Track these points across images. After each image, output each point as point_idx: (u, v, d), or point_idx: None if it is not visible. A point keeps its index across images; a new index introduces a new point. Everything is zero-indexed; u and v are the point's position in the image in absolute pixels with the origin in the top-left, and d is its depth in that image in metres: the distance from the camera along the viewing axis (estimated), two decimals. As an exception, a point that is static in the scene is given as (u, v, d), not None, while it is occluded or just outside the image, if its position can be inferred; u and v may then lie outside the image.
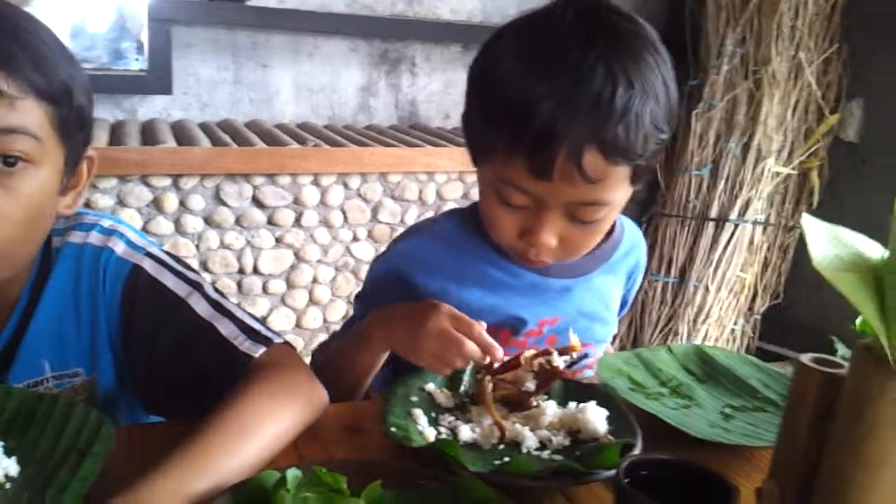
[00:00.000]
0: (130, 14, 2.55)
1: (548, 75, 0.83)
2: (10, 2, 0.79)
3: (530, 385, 0.83)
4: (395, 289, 1.03)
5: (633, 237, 1.15)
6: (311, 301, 2.36)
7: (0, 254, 0.77)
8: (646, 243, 1.21)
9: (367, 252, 2.38)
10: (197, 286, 0.88)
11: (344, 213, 2.34)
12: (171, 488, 0.63)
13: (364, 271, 2.37)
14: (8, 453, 0.69)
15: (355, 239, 2.38)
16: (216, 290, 0.90)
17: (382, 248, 1.16)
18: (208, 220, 2.19)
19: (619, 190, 0.89)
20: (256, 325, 0.87)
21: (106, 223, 0.91)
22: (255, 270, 2.26)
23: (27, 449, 0.71)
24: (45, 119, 0.78)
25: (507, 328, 1.02)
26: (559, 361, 0.83)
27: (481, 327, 0.85)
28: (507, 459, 0.76)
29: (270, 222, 2.25)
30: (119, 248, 0.89)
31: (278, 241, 2.28)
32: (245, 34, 2.57)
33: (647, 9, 2.99)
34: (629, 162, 0.86)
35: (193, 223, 2.15)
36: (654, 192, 2.72)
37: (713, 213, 2.52)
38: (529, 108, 0.82)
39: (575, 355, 0.84)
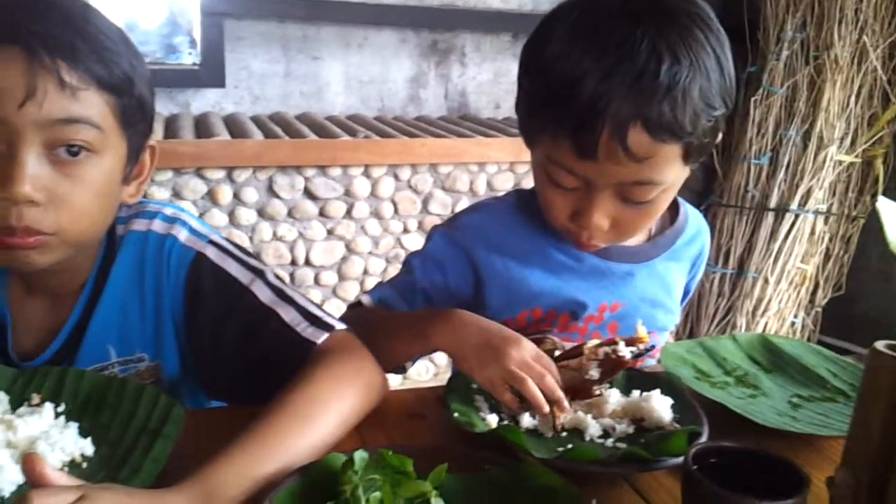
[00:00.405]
0: (183, 9, 2.59)
1: (592, 53, 0.82)
2: None
3: (594, 373, 0.81)
4: (457, 261, 1.02)
5: (697, 224, 1.12)
6: (363, 292, 2.37)
7: (66, 238, 0.79)
8: (710, 231, 1.18)
9: (417, 244, 2.37)
10: (259, 273, 0.89)
11: (394, 204, 2.34)
12: (241, 470, 0.63)
13: (415, 263, 2.38)
14: (83, 434, 0.71)
15: (406, 230, 2.39)
16: (277, 276, 0.90)
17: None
18: (261, 212, 2.21)
19: (670, 169, 0.87)
20: (317, 312, 0.87)
21: (168, 211, 0.93)
22: (308, 262, 2.28)
23: (100, 430, 0.72)
24: (107, 109, 0.79)
25: (566, 312, 1.01)
26: (625, 352, 0.81)
27: (556, 377, 0.81)
28: (569, 447, 0.74)
29: (322, 214, 2.27)
30: (182, 235, 0.90)
31: (330, 232, 2.30)
32: (296, 27, 2.59)
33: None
34: (678, 140, 0.83)
35: (247, 215, 2.18)
36: (711, 182, 2.66)
37: (772, 202, 2.45)
38: (573, 86, 0.82)
39: (641, 346, 0.82)
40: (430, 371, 2.39)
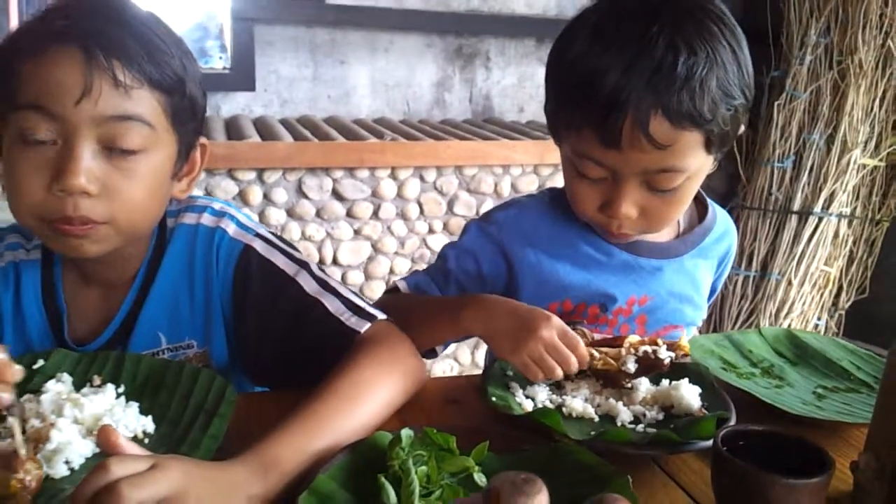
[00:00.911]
0: (214, 14, 2.65)
1: (612, 48, 0.87)
2: None
3: (630, 367, 0.84)
4: (491, 253, 1.06)
5: (724, 224, 1.15)
6: (400, 278, 2.40)
7: (117, 228, 0.84)
8: (737, 232, 1.21)
9: (442, 244, 2.41)
10: (304, 265, 0.93)
11: (420, 205, 2.38)
12: (294, 445, 0.67)
13: (440, 263, 2.42)
14: (143, 413, 0.75)
15: (431, 231, 2.42)
16: (321, 268, 0.94)
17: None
18: (290, 213, 2.26)
19: (693, 157, 0.90)
20: (360, 302, 0.91)
21: (217, 206, 0.97)
22: (335, 261, 2.32)
23: (159, 410, 0.77)
24: (159, 107, 0.84)
25: (596, 304, 1.04)
26: (665, 356, 0.84)
27: (585, 347, 0.85)
28: (601, 430, 0.78)
29: (349, 215, 2.31)
30: (231, 229, 0.95)
31: (357, 232, 2.34)
32: (324, 32, 2.64)
33: (726, -1, 2.95)
34: (698, 127, 0.87)
35: (277, 215, 2.23)
36: (735, 184, 2.68)
37: (796, 205, 2.46)
38: (596, 80, 0.87)
39: (680, 354, 0.85)
40: (454, 369, 2.42)
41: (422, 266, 2.42)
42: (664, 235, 1.08)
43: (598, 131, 0.88)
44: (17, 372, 0.64)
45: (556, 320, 0.86)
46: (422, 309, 1.00)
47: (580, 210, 0.99)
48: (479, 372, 1.08)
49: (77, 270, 0.94)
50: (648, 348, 0.84)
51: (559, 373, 0.84)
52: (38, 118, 0.78)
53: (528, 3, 2.70)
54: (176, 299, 0.94)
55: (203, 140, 0.95)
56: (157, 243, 0.94)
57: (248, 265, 0.92)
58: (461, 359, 2.44)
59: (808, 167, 2.45)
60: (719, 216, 1.15)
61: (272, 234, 0.97)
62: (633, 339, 0.86)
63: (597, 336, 0.90)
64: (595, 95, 0.87)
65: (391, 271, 2.41)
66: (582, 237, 1.06)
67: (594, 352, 0.85)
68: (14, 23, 2.70)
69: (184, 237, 0.94)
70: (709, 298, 1.18)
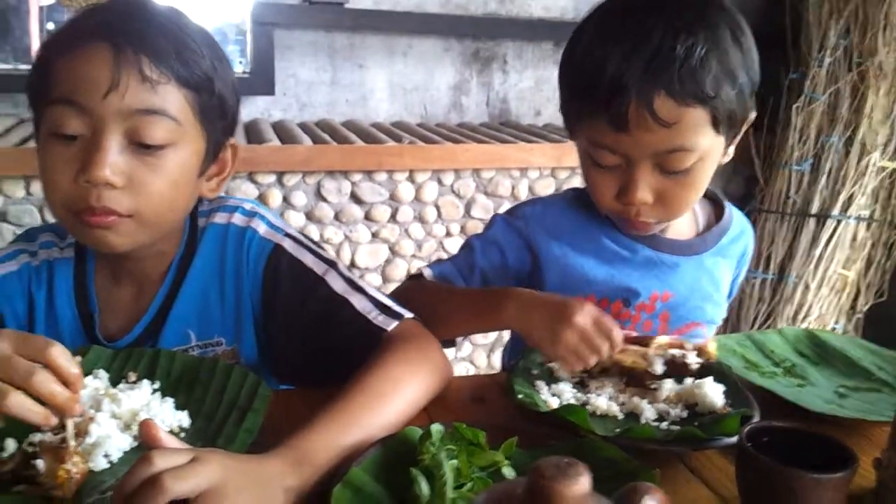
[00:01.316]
0: (234, 18, 2.68)
1: (614, 39, 0.91)
2: None
3: (658, 368, 0.85)
4: (516, 245, 1.09)
5: (741, 224, 1.17)
6: (425, 265, 2.42)
7: (141, 220, 0.86)
8: (754, 234, 1.22)
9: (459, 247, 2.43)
10: (332, 264, 0.95)
11: (438, 208, 2.40)
12: (326, 440, 0.68)
13: (457, 266, 2.43)
14: (178, 408, 0.77)
15: (448, 234, 2.44)
16: (348, 268, 0.96)
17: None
18: (309, 216, 2.28)
19: (701, 135, 0.92)
20: (387, 301, 0.92)
21: (247, 206, 0.99)
22: (353, 264, 2.34)
23: (194, 405, 0.79)
24: (185, 104, 0.86)
25: (619, 299, 1.06)
26: (693, 362, 0.85)
27: (619, 331, 0.87)
28: (627, 427, 0.79)
29: (368, 218, 2.33)
30: (261, 228, 0.97)
31: (375, 235, 2.36)
32: (342, 36, 2.66)
33: (745, 0, 2.95)
34: (701, 104, 0.89)
35: (296, 218, 2.25)
36: (752, 188, 2.67)
37: (814, 208, 2.46)
38: (599, 70, 0.91)
39: (708, 360, 0.86)
40: (470, 371, 2.43)
41: (439, 268, 2.44)
42: (684, 233, 1.09)
43: (606, 116, 0.91)
44: (81, 381, 0.67)
45: (590, 307, 0.88)
46: (451, 299, 1.01)
47: (598, 200, 1.01)
48: (497, 373, 1.10)
49: (108, 268, 0.96)
50: (677, 352, 0.85)
51: (592, 362, 0.86)
52: (69, 112, 0.81)
53: (545, 6, 2.72)
54: (206, 297, 0.96)
55: (233, 141, 0.96)
56: (188, 242, 0.96)
57: (278, 264, 0.94)
58: (477, 361, 2.45)
59: (827, 170, 2.45)
60: (736, 217, 1.16)
61: (302, 234, 0.99)
62: (663, 340, 0.87)
63: (628, 334, 0.92)
64: (599, 83, 0.90)
65: (408, 274, 2.42)
66: (604, 232, 1.08)
67: (631, 347, 0.87)
68: (35, 42, 2.75)
69: (215, 236, 0.96)
70: (727, 298, 1.19)
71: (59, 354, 0.65)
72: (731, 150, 1.00)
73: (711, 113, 0.91)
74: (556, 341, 0.86)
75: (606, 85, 0.90)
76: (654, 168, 0.94)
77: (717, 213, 1.15)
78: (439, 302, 1.00)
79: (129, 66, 0.81)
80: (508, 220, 1.11)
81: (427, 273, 1.09)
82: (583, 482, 0.38)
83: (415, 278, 1.11)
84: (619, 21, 0.93)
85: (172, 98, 0.84)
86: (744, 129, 0.99)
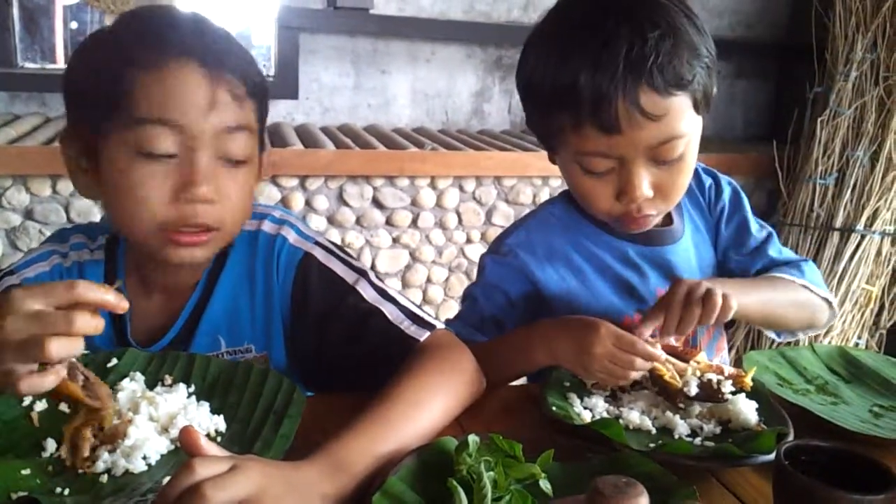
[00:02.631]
0: (258, 22, 2.70)
1: (579, 49, 0.91)
2: None
3: (692, 390, 0.85)
4: (515, 281, 1.08)
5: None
6: (425, 300, 2.43)
7: (225, 232, 0.88)
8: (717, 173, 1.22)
9: (480, 254, 2.43)
10: (363, 273, 0.95)
11: (459, 215, 2.40)
12: (362, 448, 0.68)
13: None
14: (214, 412, 0.78)
15: (469, 241, 2.44)
16: (378, 277, 0.96)
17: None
18: (331, 220, 2.29)
19: (686, 120, 0.94)
20: (418, 311, 0.92)
21: (277, 213, 0.99)
22: (373, 269, 2.34)
23: (229, 410, 0.79)
24: (255, 115, 0.88)
25: (637, 311, 1.07)
26: (728, 390, 0.85)
27: (642, 342, 0.87)
28: (660, 442, 0.79)
29: (389, 223, 2.34)
30: (291, 236, 0.97)
31: (395, 241, 2.37)
32: (366, 41, 2.67)
33: (770, 13, 2.95)
34: (683, 89, 0.91)
35: (318, 222, 2.26)
36: (775, 201, 2.66)
37: (838, 223, 2.44)
38: (574, 81, 0.90)
39: (741, 390, 0.86)
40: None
41: (459, 275, 2.45)
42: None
43: (595, 123, 0.91)
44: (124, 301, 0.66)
45: (607, 329, 0.87)
46: (486, 356, 0.96)
47: (595, 206, 1.01)
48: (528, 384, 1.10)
49: (139, 275, 0.96)
50: (714, 377, 0.85)
51: (632, 377, 0.87)
52: (163, 131, 0.81)
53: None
54: (236, 304, 0.96)
55: (267, 146, 0.97)
56: (220, 249, 0.97)
57: (308, 272, 0.94)
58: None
59: (851, 184, 2.43)
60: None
61: (331, 242, 0.99)
62: (703, 360, 0.87)
63: (670, 345, 0.92)
64: (579, 95, 0.90)
65: (428, 280, 2.43)
66: (595, 243, 1.08)
67: (672, 360, 0.87)
68: (60, 42, 2.78)
69: (245, 243, 0.96)
70: (753, 243, 1.17)
71: (87, 288, 0.64)
72: None
73: (692, 96, 0.93)
74: (588, 371, 0.88)
75: (588, 94, 0.90)
76: (648, 162, 0.95)
77: None
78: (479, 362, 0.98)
79: (221, 84, 0.82)
80: (497, 259, 1.10)
81: None
82: (642, 502, 0.38)
83: None
84: (576, 32, 0.93)
85: (250, 111, 0.86)
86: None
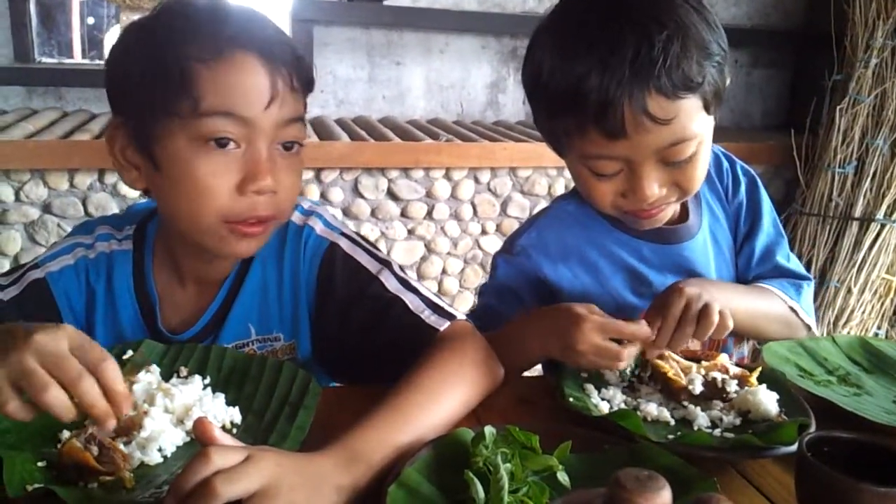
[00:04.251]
0: (273, 15, 2.70)
1: (585, 51, 0.88)
2: None
3: (696, 387, 0.84)
4: (528, 283, 1.07)
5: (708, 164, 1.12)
6: (440, 292, 2.43)
7: (280, 221, 0.90)
8: (738, 161, 1.18)
9: (495, 245, 2.42)
10: (386, 264, 0.95)
11: (474, 206, 2.39)
12: (379, 438, 0.68)
13: (492, 264, 2.43)
14: (229, 404, 0.78)
15: (484, 232, 2.43)
16: (401, 268, 0.96)
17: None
18: (346, 212, 2.29)
19: (697, 122, 0.91)
20: (439, 301, 0.92)
21: (305, 204, 0.99)
22: (389, 260, 2.35)
23: (244, 402, 0.79)
24: (302, 106, 0.88)
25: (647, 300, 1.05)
26: (733, 389, 0.84)
27: (629, 326, 0.86)
28: (679, 434, 0.78)
29: (404, 214, 2.34)
30: (318, 227, 0.97)
31: (411, 232, 2.36)
32: (380, 33, 2.67)
33: (787, 1, 2.90)
34: (692, 91, 0.88)
35: (333, 214, 2.26)
36: (793, 190, 2.63)
37: (857, 212, 2.41)
38: (581, 85, 0.87)
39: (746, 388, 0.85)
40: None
41: (474, 266, 2.44)
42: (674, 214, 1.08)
43: (601, 129, 0.89)
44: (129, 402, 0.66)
45: (590, 323, 0.86)
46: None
47: (605, 206, 0.99)
48: (545, 375, 1.10)
49: (171, 265, 0.96)
50: (719, 376, 0.84)
51: (622, 365, 0.87)
52: (228, 123, 0.81)
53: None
54: (266, 292, 0.97)
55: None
56: None
57: (333, 262, 0.95)
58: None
59: (871, 173, 2.40)
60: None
61: (356, 233, 0.99)
62: (724, 360, 0.88)
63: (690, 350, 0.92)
64: (585, 99, 0.88)
65: (444, 271, 2.42)
66: (610, 239, 1.07)
67: (676, 357, 0.86)
68: (77, 36, 2.79)
69: (275, 233, 0.97)
70: (765, 239, 1.15)
71: (112, 370, 0.65)
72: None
73: (702, 97, 0.90)
74: (578, 362, 0.88)
75: (594, 99, 0.87)
76: (658, 163, 0.92)
77: None
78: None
79: (281, 77, 0.83)
80: (509, 260, 1.09)
81: None
82: (664, 495, 0.37)
83: None
84: (583, 33, 0.89)
85: (301, 103, 0.87)
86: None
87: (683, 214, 1.10)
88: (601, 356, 0.86)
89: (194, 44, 0.81)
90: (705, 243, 1.11)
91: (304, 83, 0.87)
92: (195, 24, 0.83)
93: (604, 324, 0.86)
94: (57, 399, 0.62)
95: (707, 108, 0.92)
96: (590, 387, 0.87)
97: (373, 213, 2.31)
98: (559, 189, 2.42)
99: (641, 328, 0.87)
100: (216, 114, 0.81)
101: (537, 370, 1.07)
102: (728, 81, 0.95)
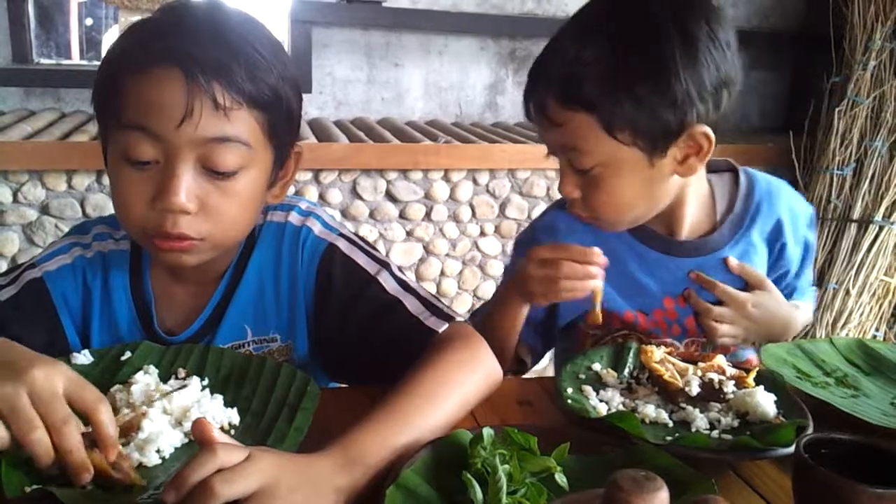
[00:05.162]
0: (271, 16, 2.70)
1: (566, 35, 0.97)
2: None
3: (693, 389, 0.84)
4: None
5: (762, 191, 1.12)
6: (439, 293, 2.43)
7: (213, 243, 0.86)
8: (795, 192, 1.16)
9: (494, 247, 2.43)
10: (385, 265, 0.95)
11: (472, 208, 2.39)
12: (378, 439, 0.68)
13: (490, 266, 2.43)
14: (227, 405, 0.78)
15: (483, 234, 2.43)
16: (400, 269, 0.96)
17: (509, 245, 1.24)
18: (345, 213, 2.29)
19: (593, 140, 0.93)
20: (438, 303, 0.92)
21: (303, 205, 0.99)
22: (387, 262, 2.34)
23: (243, 403, 0.79)
24: (256, 125, 0.83)
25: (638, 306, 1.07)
26: (730, 391, 0.84)
27: (576, 247, 0.95)
28: (677, 435, 0.78)
29: (402, 216, 2.34)
30: (316, 227, 0.97)
31: (409, 234, 2.36)
32: (379, 34, 2.66)
33: (785, 3, 2.90)
34: (585, 110, 0.92)
35: (331, 216, 2.26)
36: (792, 192, 2.63)
37: (856, 214, 2.41)
38: (542, 61, 1.00)
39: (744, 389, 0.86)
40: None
41: (473, 268, 2.44)
42: (703, 223, 1.08)
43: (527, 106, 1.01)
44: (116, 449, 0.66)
45: (533, 253, 0.97)
46: (487, 313, 1.06)
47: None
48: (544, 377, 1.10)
49: (165, 267, 0.96)
50: (716, 377, 0.84)
51: (584, 286, 0.95)
52: (142, 138, 0.80)
53: (582, 5, 2.70)
54: (262, 294, 0.96)
55: (297, 147, 0.94)
56: (247, 240, 0.97)
57: (332, 263, 0.95)
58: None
59: (870, 175, 2.40)
60: (758, 186, 1.12)
61: (355, 234, 0.99)
62: (717, 360, 0.87)
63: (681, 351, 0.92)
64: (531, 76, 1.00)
65: (442, 273, 2.42)
66: (609, 244, 1.06)
67: (672, 359, 0.86)
68: (75, 38, 2.79)
69: (272, 234, 0.97)
70: (798, 276, 1.16)
71: (105, 413, 0.65)
72: (695, 163, 0.97)
73: (600, 119, 0.92)
74: (540, 298, 0.98)
75: (530, 80, 0.99)
76: (568, 166, 0.98)
77: (732, 192, 1.12)
78: (482, 325, 1.02)
79: (201, 95, 0.78)
80: (527, 242, 1.12)
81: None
82: (662, 497, 0.37)
83: (471, 318, 1.14)
84: (579, 21, 0.98)
85: (244, 123, 0.82)
86: (706, 144, 0.95)
87: (710, 228, 1.09)
88: (550, 282, 0.93)
89: (126, 56, 0.80)
90: (720, 269, 1.08)
91: (258, 101, 0.82)
92: (141, 35, 0.82)
93: (551, 248, 0.96)
94: (40, 443, 0.62)
95: (611, 133, 0.92)
96: (588, 388, 0.87)
97: (371, 215, 2.31)
98: (558, 191, 2.42)
99: (592, 249, 0.93)
100: (132, 127, 0.80)
101: (537, 371, 1.08)
102: (704, 129, 0.94)
